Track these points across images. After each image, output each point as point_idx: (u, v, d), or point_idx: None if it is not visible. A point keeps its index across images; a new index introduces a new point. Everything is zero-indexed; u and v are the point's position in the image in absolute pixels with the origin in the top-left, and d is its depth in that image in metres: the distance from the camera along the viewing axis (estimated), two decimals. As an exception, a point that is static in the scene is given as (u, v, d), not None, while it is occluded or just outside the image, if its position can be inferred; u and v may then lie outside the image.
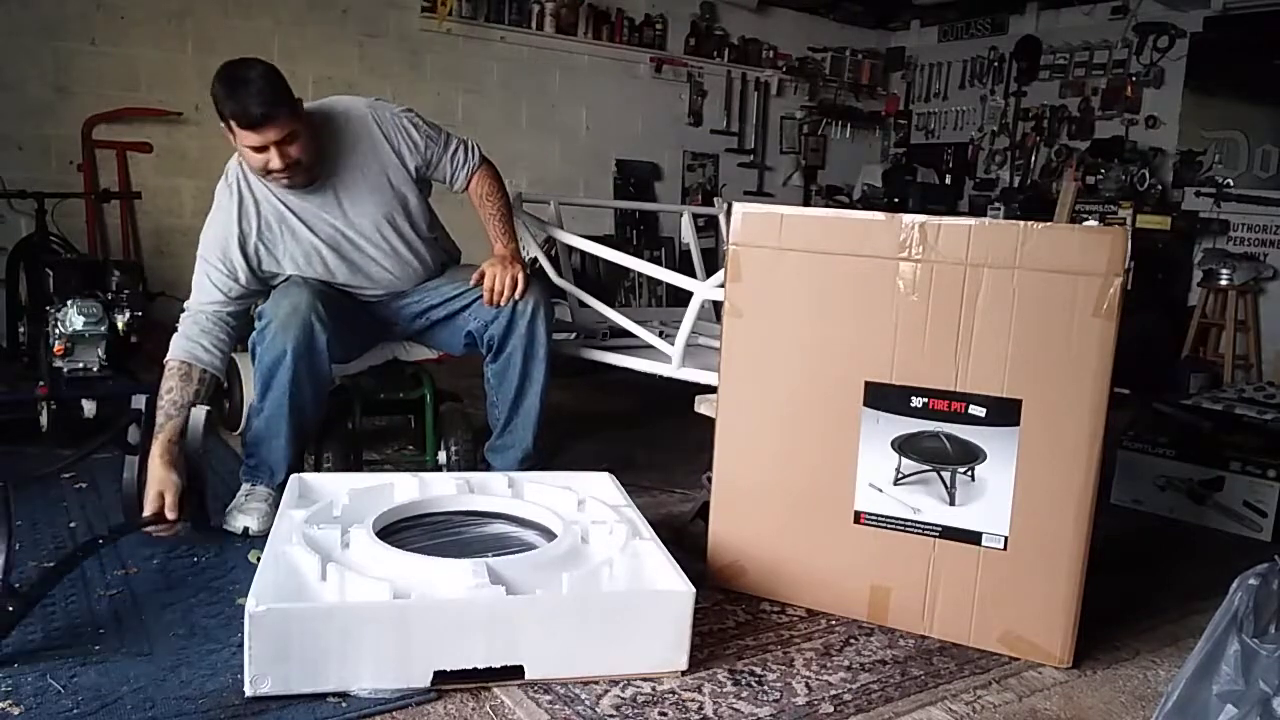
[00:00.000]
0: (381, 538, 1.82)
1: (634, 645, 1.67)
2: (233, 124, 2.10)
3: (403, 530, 1.95)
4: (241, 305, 2.30)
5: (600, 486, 2.20)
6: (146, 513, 2.03)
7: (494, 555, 1.78)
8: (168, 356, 2.18)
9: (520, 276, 2.34)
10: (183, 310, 2.27)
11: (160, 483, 2.03)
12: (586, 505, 2.07)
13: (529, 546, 1.90)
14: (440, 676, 1.57)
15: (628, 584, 1.76)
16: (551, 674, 1.63)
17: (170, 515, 2.02)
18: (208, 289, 2.26)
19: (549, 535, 1.94)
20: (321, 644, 1.52)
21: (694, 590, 1.67)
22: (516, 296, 2.33)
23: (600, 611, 1.66)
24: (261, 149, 2.12)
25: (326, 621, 1.53)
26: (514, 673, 1.60)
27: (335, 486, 2.09)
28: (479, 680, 1.59)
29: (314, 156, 2.21)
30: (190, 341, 2.20)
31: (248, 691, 1.50)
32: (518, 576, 1.69)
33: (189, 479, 2.08)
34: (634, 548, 1.84)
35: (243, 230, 2.26)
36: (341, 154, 2.30)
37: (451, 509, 2.07)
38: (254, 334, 2.23)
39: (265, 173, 2.18)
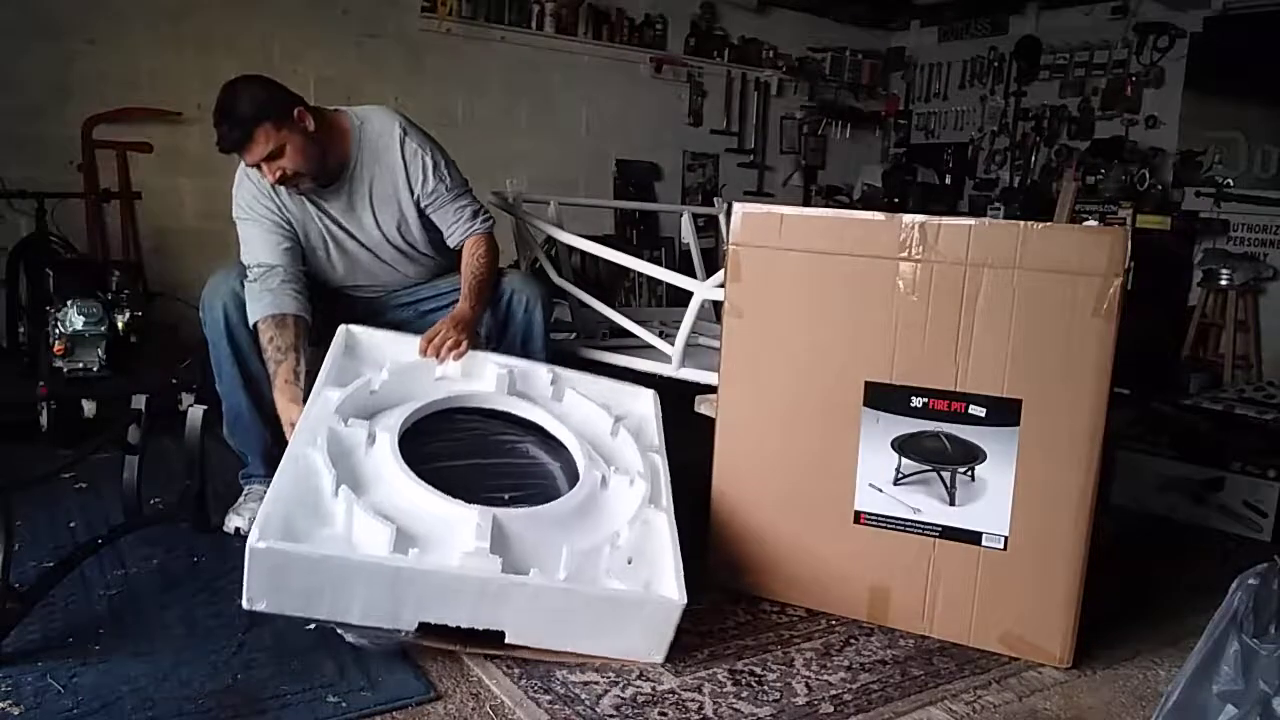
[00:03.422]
0: (408, 438, 1.82)
1: (615, 636, 1.70)
2: None
3: (431, 434, 1.92)
4: (295, 257, 2.25)
5: (642, 406, 2.18)
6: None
7: (508, 498, 1.78)
8: (252, 320, 2.16)
9: (465, 343, 2.15)
10: (245, 278, 2.22)
11: (285, 411, 2.05)
12: (620, 434, 2.05)
13: (547, 486, 1.88)
14: (424, 627, 1.62)
15: (626, 570, 1.74)
16: (530, 643, 1.67)
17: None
18: (258, 242, 2.23)
19: (571, 472, 1.92)
20: (316, 583, 1.57)
21: (684, 601, 1.68)
22: (451, 359, 2.16)
23: (587, 605, 1.67)
24: (254, 165, 2.17)
25: (322, 567, 1.56)
26: (495, 636, 1.64)
27: (382, 350, 2.09)
28: (461, 639, 1.64)
29: (313, 164, 2.21)
30: (269, 295, 2.16)
31: (245, 606, 1.54)
32: (523, 533, 1.70)
33: (187, 478, 2.08)
34: (646, 517, 1.83)
35: (275, 189, 2.26)
36: (364, 163, 2.31)
37: (488, 407, 2.04)
38: (200, 315, 2.25)
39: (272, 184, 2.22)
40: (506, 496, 1.79)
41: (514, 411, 2.05)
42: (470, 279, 2.33)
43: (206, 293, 2.24)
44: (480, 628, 1.63)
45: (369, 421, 1.84)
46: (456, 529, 1.66)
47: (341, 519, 1.64)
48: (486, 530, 1.65)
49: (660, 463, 2.01)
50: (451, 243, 2.43)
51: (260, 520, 1.56)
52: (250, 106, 2.10)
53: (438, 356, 2.08)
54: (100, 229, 3.97)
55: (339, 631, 1.68)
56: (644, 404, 2.20)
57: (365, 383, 1.96)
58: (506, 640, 1.65)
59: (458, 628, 1.62)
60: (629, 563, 1.74)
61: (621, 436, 2.05)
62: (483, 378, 2.10)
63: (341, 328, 2.12)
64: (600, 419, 2.08)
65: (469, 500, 1.71)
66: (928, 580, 1.87)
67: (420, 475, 1.74)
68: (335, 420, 1.81)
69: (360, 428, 1.81)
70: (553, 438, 2.02)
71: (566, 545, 1.68)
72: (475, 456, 1.93)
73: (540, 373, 2.16)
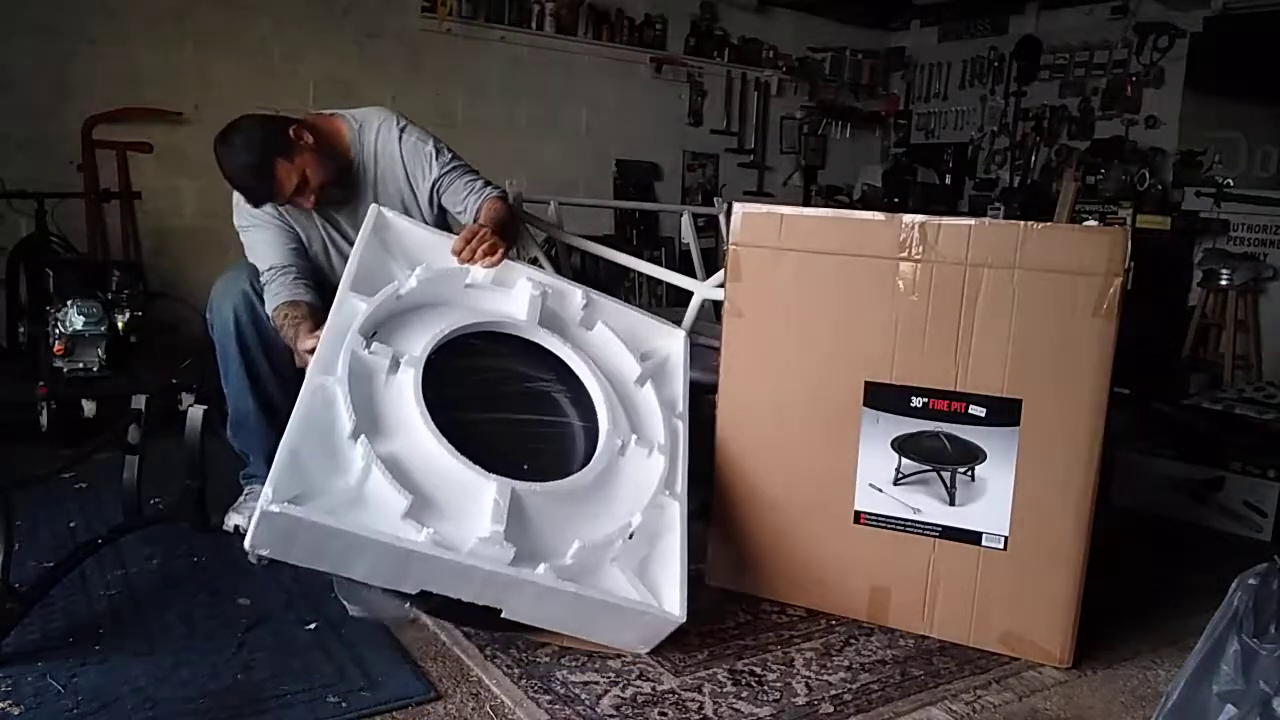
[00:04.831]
0: (432, 365, 1.80)
1: (609, 633, 1.73)
2: None
3: (456, 370, 1.87)
4: (304, 256, 2.25)
5: (673, 346, 2.16)
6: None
7: (526, 467, 1.77)
8: (269, 311, 2.14)
9: (500, 250, 2.08)
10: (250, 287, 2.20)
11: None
12: (646, 385, 2.03)
13: (566, 451, 1.87)
14: (425, 595, 1.64)
15: (629, 547, 1.75)
16: (526, 620, 1.70)
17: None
18: (266, 246, 2.21)
19: (592, 428, 1.90)
20: (324, 546, 1.57)
21: (684, 618, 1.69)
22: (483, 266, 2.10)
23: (589, 607, 1.68)
24: (288, 203, 2.17)
25: (333, 536, 1.55)
26: (492, 611, 1.66)
27: (412, 244, 2.05)
28: (459, 611, 1.68)
29: (330, 171, 2.19)
30: (284, 289, 2.15)
31: (247, 549, 1.56)
32: (538, 512, 1.71)
33: (187, 478, 2.08)
34: (660, 504, 1.82)
35: None
36: (365, 164, 2.29)
37: (516, 336, 2.00)
38: (208, 316, 2.24)
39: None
40: (525, 465, 1.78)
41: (541, 343, 2.01)
42: (490, 220, 2.22)
43: (215, 294, 2.22)
44: (480, 604, 1.65)
45: (391, 345, 1.80)
46: (474, 502, 1.65)
47: (358, 468, 1.63)
48: (504, 510, 1.64)
49: (681, 430, 1.99)
50: (467, 215, 2.35)
51: (274, 475, 1.55)
52: (257, 153, 2.08)
53: (471, 259, 2.03)
54: (100, 229, 3.97)
55: (342, 600, 1.70)
56: (677, 345, 2.17)
57: (392, 290, 1.90)
58: (502, 616, 1.67)
59: (459, 600, 1.65)
60: (630, 537, 1.75)
61: (647, 389, 2.02)
62: (514, 290, 2.04)
63: (373, 207, 2.09)
64: (628, 364, 2.05)
65: (489, 465, 1.69)
66: (928, 580, 1.87)
67: (443, 426, 1.71)
68: (358, 341, 1.77)
69: (384, 354, 1.78)
70: (576, 385, 1.98)
71: (579, 539, 1.68)
72: (499, 409, 1.89)
73: (575, 296, 2.10)
